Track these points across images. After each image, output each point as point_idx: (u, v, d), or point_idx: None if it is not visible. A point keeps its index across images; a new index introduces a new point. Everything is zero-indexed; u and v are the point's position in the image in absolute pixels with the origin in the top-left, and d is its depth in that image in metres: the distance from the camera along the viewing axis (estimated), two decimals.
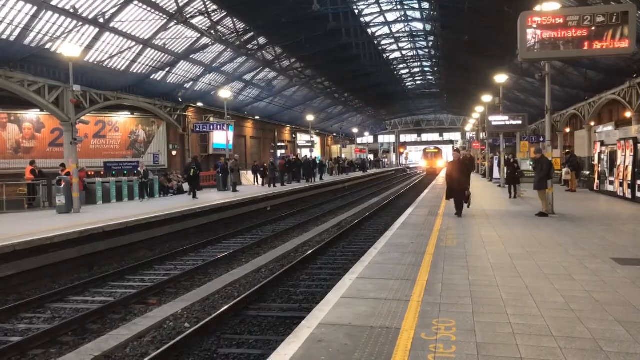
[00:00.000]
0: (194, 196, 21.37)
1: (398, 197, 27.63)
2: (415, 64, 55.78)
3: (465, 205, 13.20)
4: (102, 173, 28.78)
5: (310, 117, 46.09)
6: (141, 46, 26.92)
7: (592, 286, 6.09)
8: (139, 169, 22.58)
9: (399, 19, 39.83)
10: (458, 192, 13.02)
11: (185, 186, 24.62)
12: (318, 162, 40.72)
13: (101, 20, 23.13)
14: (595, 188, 20.37)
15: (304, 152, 50.08)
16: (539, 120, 45.86)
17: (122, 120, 34.28)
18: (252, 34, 32.54)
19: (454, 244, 9.04)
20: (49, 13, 21.00)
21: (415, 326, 4.76)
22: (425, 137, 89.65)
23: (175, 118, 34.11)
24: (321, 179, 35.89)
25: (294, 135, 59.17)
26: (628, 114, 28.97)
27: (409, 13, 38.60)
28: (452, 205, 13.40)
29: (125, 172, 27.15)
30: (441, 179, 31.39)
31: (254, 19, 29.80)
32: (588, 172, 23.26)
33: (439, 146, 72.08)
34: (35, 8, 20.25)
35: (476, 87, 43.77)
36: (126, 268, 11.59)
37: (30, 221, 14.36)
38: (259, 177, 30.93)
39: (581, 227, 11.07)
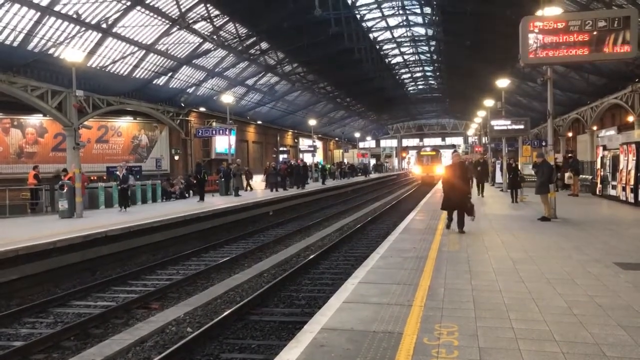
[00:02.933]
0: (203, 199, 21.88)
1: (400, 202, 27.60)
2: (417, 69, 55.88)
3: (469, 218, 11.16)
4: (104, 178, 28.85)
5: (312, 122, 46.06)
6: (144, 51, 27.00)
7: (595, 291, 6.09)
8: (117, 172, 19.21)
9: (401, 24, 39.93)
10: (458, 203, 10.98)
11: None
12: (320, 166, 40.71)
13: (104, 26, 23.21)
14: (597, 192, 20.33)
15: (307, 157, 50.07)
16: (541, 124, 45.86)
17: (125, 125, 34.35)
18: (254, 39, 32.62)
19: (456, 249, 9.03)
20: (52, 19, 21.08)
21: (417, 331, 4.76)
22: (427, 141, 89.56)
23: (178, 123, 34.17)
24: (323, 183, 35.89)
25: (296, 140, 59.23)
26: (630, 118, 28.97)
27: (410, 18, 38.68)
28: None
29: None
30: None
31: (256, 24, 29.89)
32: (590, 177, 23.21)
33: (438, 147, 59.34)
34: (39, 14, 20.33)
35: (478, 92, 43.78)
36: (128, 273, 11.61)
37: (33, 226, 14.39)
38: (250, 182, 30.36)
39: (584, 231, 11.05)
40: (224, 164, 27.14)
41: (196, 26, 27.26)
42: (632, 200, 16.13)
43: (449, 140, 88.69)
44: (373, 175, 57.09)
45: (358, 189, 39.39)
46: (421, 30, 42.09)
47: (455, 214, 11.18)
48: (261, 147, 49.93)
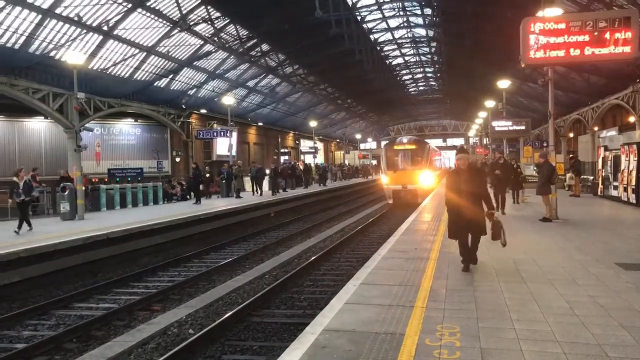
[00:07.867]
0: (199, 201, 21.85)
1: (402, 203, 27.51)
2: (418, 70, 55.81)
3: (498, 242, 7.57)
4: (106, 180, 28.92)
5: (313, 123, 46.12)
6: (145, 53, 27.03)
7: (596, 291, 6.08)
8: (16, 179, 13.65)
9: (402, 25, 39.89)
10: (471, 226, 7.31)
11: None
12: (321, 167, 40.73)
13: (105, 28, 23.24)
14: (599, 193, 20.31)
15: (307, 158, 50.01)
16: (542, 125, 45.74)
17: (126, 127, 34.38)
18: (255, 40, 32.63)
19: (457, 250, 9.00)
20: (53, 21, 21.12)
21: (419, 332, 4.76)
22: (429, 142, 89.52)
23: (179, 125, 34.21)
24: (324, 185, 35.89)
25: (297, 141, 59.21)
26: (631, 119, 28.94)
27: (411, 19, 38.64)
28: None
29: (129, 179, 27.40)
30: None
31: (257, 25, 29.91)
32: (592, 177, 23.17)
33: (420, 138, 38.81)
34: (40, 16, 20.37)
35: (479, 93, 43.75)
36: (130, 275, 11.61)
37: (34, 228, 14.39)
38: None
39: (585, 232, 11.04)
40: (225, 166, 27.15)
41: (197, 28, 27.28)
42: (634, 201, 16.10)
43: (450, 142, 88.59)
44: (373, 177, 57.08)
45: (359, 190, 39.38)
46: (422, 32, 42.05)
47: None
48: (262, 149, 49.94)
